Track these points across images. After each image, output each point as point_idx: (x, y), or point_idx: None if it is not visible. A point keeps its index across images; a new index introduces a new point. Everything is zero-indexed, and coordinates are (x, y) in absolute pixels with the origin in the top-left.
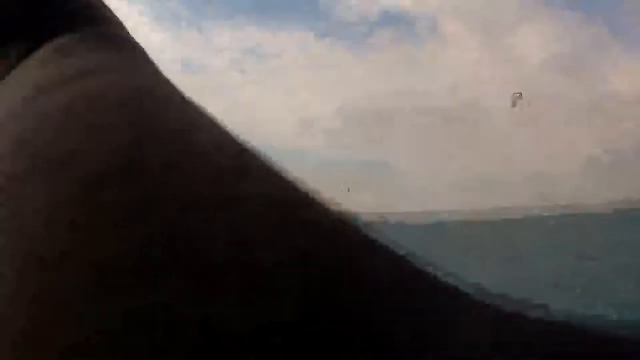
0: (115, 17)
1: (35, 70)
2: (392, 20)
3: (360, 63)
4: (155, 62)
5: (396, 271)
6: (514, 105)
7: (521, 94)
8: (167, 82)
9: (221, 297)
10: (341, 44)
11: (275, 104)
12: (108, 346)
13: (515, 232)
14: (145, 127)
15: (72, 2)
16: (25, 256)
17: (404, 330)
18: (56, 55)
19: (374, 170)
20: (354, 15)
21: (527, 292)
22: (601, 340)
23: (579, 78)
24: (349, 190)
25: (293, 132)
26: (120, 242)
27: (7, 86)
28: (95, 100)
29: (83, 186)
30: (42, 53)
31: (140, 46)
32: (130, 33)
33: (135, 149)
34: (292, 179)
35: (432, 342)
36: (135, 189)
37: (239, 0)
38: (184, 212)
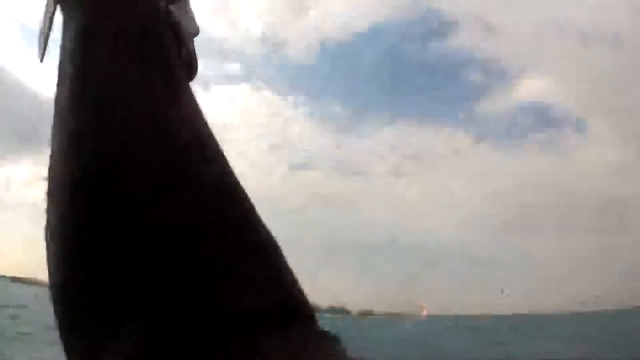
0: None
1: None
2: (543, 121)
3: (510, 164)
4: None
5: None
6: None
7: None
8: None
9: None
10: (492, 146)
11: (434, 204)
12: None
13: None
14: None
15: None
16: None
17: None
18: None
19: (525, 268)
20: (503, 118)
21: None
22: None
23: None
24: (502, 292)
25: (450, 231)
26: None
27: None
28: None
29: None
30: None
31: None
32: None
33: None
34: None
35: None
36: None
37: (397, 106)
38: None
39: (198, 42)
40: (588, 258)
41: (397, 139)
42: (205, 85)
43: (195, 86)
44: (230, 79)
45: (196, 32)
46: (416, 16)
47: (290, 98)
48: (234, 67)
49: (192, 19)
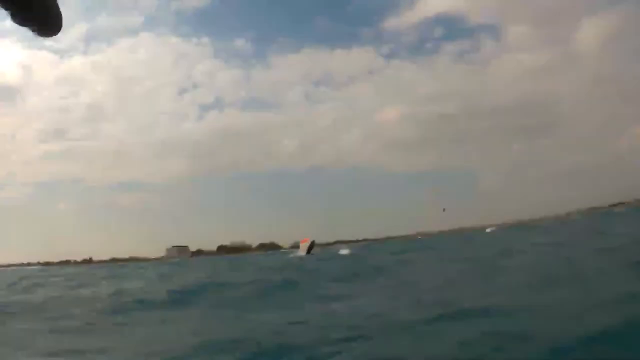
0: None
1: None
2: (455, 33)
3: (425, 79)
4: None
5: None
6: None
7: None
8: None
9: None
10: (404, 62)
11: (351, 128)
12: None
13: None
14: None
15: None
16: None
17: None
18: None
19: (454, 185)
20: (413, 33)
21: None
22: None
23: None
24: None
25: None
26: None
27: None
28: None
29: None
30: None
31: None
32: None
33: None
34: None
35: None
36: None
37: (302, 33)
38: None
39: None
40: (518, 166)
41: (305, 65)
42: (108, 40)
43: (98, 42)
44: (131, 30)
45: None
46: None
47: (194, 40)
48: (134, 18)
49: None
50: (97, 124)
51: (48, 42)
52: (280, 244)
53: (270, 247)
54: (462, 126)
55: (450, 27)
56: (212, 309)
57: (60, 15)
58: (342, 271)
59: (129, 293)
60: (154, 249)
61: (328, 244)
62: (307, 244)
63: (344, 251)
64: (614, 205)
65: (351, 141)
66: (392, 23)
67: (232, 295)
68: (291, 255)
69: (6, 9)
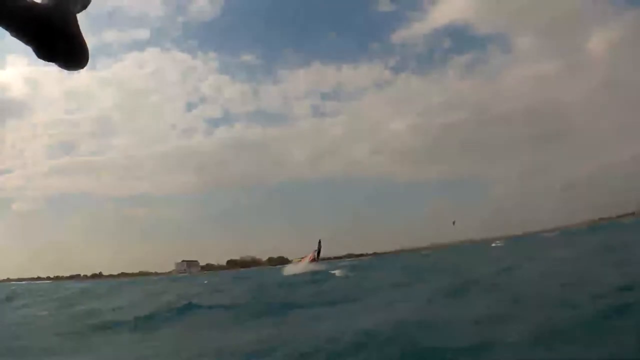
0: None
1: None
2: (464, 44)
3: (433, 91)
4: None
5: None
6: None
7: None
8: None
9: None
10: (413, 75)
11: (360, 140)
12: None
13: None
14: None
15: None
16: None
17: None
18: None
19: (466, 196)
20: (421, 45)
21: None
22: None
23: None
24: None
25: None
26: None
27: None
28: None
29: None
30: None
31: None
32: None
33: None
34: None
35: None
36: None
37: (310, 47)
38: None
39: (100, 14)
40: (528, 175)
41: (314, 79)
42: (115, 56)
43: (105, 57)
44: (138, 45)
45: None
46: None
47: (200, 55)
48: (141, 33)
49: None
50: (105, 138)
51: None
52: (290, 257)
53: (279, 262)
54: (472, 136)
55: (459, 38)
56: (169, 335)
57: (86, 47)
58: (323, 295)
59: (101, 314)
60: (164, 263)
61: (337, 258)
62: (306, 261)
63: (337, 271)
64: (623, 215)
65: (360, 153)
66: (400, 35)
67: (196, 320)
68: (283, 274)
69: (30, 45)
